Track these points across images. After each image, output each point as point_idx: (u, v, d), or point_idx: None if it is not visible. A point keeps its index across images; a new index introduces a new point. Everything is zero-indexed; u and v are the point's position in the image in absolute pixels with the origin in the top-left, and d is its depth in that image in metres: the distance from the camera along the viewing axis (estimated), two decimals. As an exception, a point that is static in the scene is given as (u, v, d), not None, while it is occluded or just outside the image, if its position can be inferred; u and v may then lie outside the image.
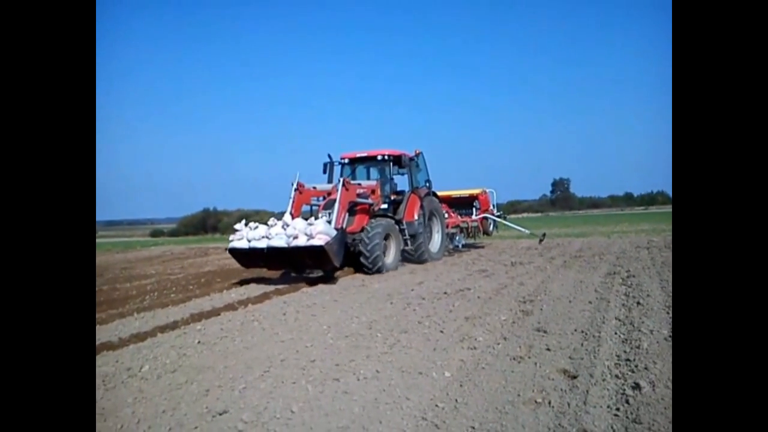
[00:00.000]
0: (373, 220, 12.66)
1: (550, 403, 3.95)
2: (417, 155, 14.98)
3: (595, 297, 8.09)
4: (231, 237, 11.43)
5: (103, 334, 7.09)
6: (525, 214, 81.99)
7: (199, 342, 6.38)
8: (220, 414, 4.06)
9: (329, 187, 12.86)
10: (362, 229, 12.35)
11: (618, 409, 3.75)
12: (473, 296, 8.56)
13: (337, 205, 11.31)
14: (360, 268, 12.31)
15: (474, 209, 18.57)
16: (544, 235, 19.20)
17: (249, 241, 10.98)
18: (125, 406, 4.39)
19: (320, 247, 10.06)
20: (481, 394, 4.25)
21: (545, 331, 6.03)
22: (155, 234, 75.13)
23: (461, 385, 4.46)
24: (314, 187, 12.62)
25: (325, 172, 14.32)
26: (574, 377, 4.49)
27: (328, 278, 11.55)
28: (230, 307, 8.65)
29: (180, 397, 4.51)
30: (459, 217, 17.95)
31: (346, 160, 14.59)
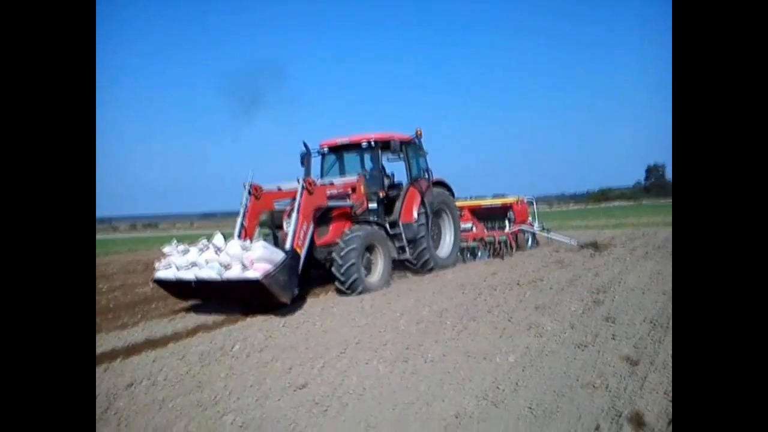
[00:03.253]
0: (348, 230, 9.64)
1: (607, 387, 4.13)
2: (418, 136, 11.86)
3: (670, 288, 7.98)
4: (157, 264, 8.54)
5: (200, 318, 7.89)
6: (617, 202, 78.85)
7: (283, 325, 7.00)
8: (301, 388, 4.54)
9: (324, 182, 10.09)
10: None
11: (674, 395, 3.87)
12: (545, 287, 8.65)
13: (294, 216, 8.45)
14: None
15: (508, 221, 15.35)
16: (595, 245, 14.59)
17: (178, 269, 8.10)
18: (218, 380, 4.99)
19: (256, 281, 7.23)
20: (542, 377, 4.49)
21: (614, 321, 6.12)
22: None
23: (523, 370, 4.71)
24: (278, 188, 9.49)
25: (303, 164, 11.54)
26: (635, 364, 4.62)
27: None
28: (312, 293, 9.28)
29: (266, 373, 5.06)
30: (485, 230, 14.83)
31: (326, 149, 11.60)
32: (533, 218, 16.53)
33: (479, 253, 13.86)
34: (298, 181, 8.92)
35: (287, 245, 8.04)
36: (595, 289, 8.22)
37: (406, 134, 11.59)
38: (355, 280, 8.96)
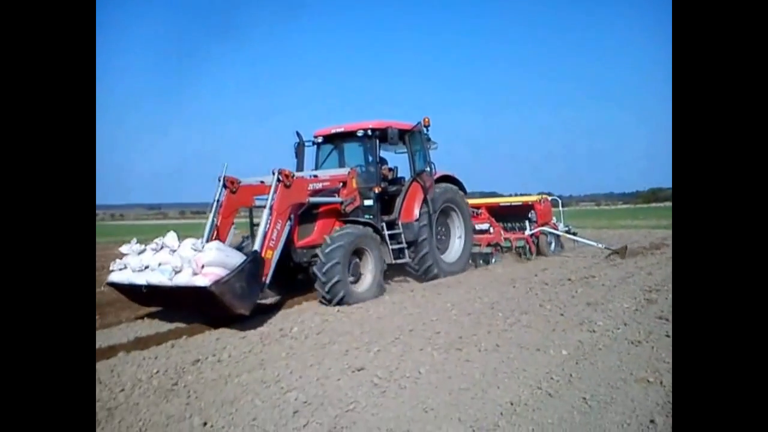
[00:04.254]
0: (334, 231, 8.48)
1: (661, 382, 4.16)
2: (426, 125, 10.55)
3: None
4: (112, 265, 7.56)
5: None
6: (667, 203, 76.56)
7: (338, 310, 7.26)
8: (359, 370, 4.74)
9: (306, 175, 9.08)
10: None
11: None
12: (597, 284, 8.63)
13: (266, 213, 7.43)
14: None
15: (529, 222, 13.89)
16: (625, 248, 13.01)
17: (132, 271, 7.15)
18: (279, 359, 5.25)
19: (204, 288, 6.22)
20: (596, 371, 4.55)
21: (667, 319, 6.08)
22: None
23: (577, 363, 4.77)
24: (261, 182, 8.47)
25: (297, 156, 10.54)
26: (691, 362, 4.61)
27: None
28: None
29: (324, 354, 5.28)
30: (502, 231, 13.36)
31: (321, 139, 10.47)
32: (558, 219, 14.97)
33: (493, 260, 12.33)
34: (273, 173, 7.64)
35: (255, 247, 7.11)
36: (648, 287, 8.14)
37: (408, 123, 10.38)
38: (336, 282, 7.67)
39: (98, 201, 5.81)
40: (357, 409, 3.91)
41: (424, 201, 10.03)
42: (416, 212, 9.88)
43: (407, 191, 10.09)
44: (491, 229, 13.00)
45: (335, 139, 10.48)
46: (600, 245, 13.34)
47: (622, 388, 4.12)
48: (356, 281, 8.33)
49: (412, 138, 10.40)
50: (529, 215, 13.94)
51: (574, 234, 14.72)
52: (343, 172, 9.33)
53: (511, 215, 14.16)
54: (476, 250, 11.95)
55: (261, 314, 7.22)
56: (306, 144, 10.48)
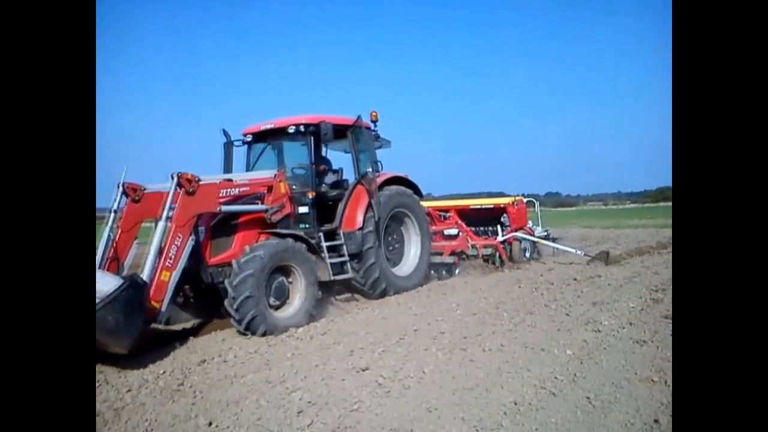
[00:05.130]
0: (253, 245, 6.97)
1: (666, 382, 4.15)
2: (373, 120, 9.35)
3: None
4: None
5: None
6: (675, 202, 75.98)
7: (347, 312, 7.32)
8: (363, 370, 4.76)
9: (215, 180, 7.21)
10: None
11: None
12: (603, 283, 8.61)
13: (161, 227, 6.14)
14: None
15: (501, 227, 12.37)
16: (606, 253, 11.57)
17: None
18: (285, 360, 5.29)
19: None
20: (600, 370, 4.55)
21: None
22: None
23: (581, 362, 4.78)
24: None
25: (225, 158, 8.97)
26: (696, 362, 4.61)
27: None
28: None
29: (329, 354, 5.31)
30: (470, 238, 11.87)
31: (250, 137, 8.96)
32: (536, 223, 13.58)
33: (457, 270, 10.93)
34: (172, 177, 6.37)
35: (145, 267, 5.86)
36: (654, 287, 8.11)
37: (350, 117, 8.92)
38: (253, 319, 6.31)
39: (98, 203, 5.71)
40: (361, 409, 3.93)
41: (370, 207, 8.62)
42: (359, 220, 8.51)
43: (350, 196, 8.69)
44: (461, 235, 11.82)
45: (267, 138, 8.96)
46: (579, 252, 11.88)
47: (626, 387, 4.11)
48: (282, 305, 6.94)
49: (356, 135, 8.99)
50: (502, 219, 12.49)
51: (554, 240, 13.36)
52: (269, 174, 7.85)
53: (484, 219, 12.70)
54: (437, 259, 10.62)
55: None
56: (235, 144, 8.97)
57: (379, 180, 9.01)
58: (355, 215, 8.55)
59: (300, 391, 4.31)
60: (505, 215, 12.43)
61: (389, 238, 9.37)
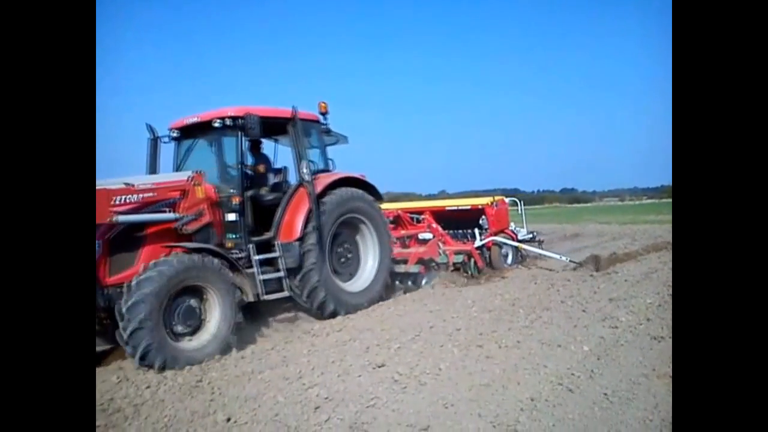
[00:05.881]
0: (144, 265, 5.77)
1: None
2: (323, 113, 8.25)
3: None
4: None
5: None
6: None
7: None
8: (379, 366, 4.79)
9: (111, 185, 6.10)
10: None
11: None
12: (620, 279, 8.53)
13: None
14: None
15: (479, 230, 10.91)
16: (596, 258, 10.12)
17: None
18: (302, 356, 5.34)
19: None
20: (617, 367, 4.53)
21: (692, 315, 6.01)
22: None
23: (598, 358, 4.75)
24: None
25: (152, 156, 7.89)
26: (715, 358, 4.57)
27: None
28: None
29: (345, 351, 5.35)
30: (444, 243, 10.52)
31: (177, 133, 7.79)
32: (518, 227, 12.00)
33: (424, 281, 9.43)
34: None
35: None
36: (672, 282, 8.04)
37: (287, 109, 7.61)
38: (148, 351, 5.32)
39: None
40: (378, 405, 3.96)
41: (313, 213, 7.30)
42: (298, 228, 7.24)
43: (289, 201, 7.44)
44: (432, 240, 10.35)
45: (195, 133, 7.74)
46: (563, 258, 10.46)
47: (644, 384, 4.09)
48: (193, 332, 5.88)
49: (298, 129, 7.62)
50: (480, 221, 11.07)
51: (540, 242, 11.91)
52: (182, 177, 6.68)
53: (462, 221, 11.36)
54: (401, 269, 9.27)
55: (284, 312, 7.33)
56: (163, 140, 7.91)
57: (327, 181, 7.73)
58: (294, 223, 7.30)
59: (317, 387, 4.35)
60: (483, 217, 11.04)
61: (339, 249, 8.05)
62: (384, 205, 9.74)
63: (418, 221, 10.73)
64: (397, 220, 10.36)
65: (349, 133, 8.81)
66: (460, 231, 11.32)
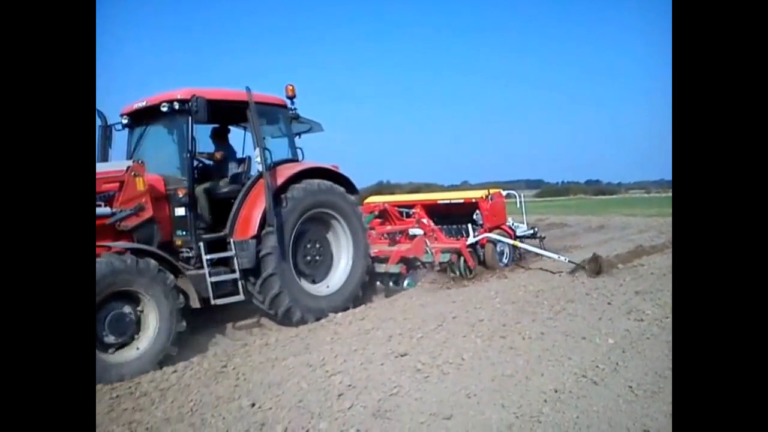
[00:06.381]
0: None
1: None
2: (290, 96, 7.46)
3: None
4: None
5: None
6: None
7: (382, 297, 7.33)
8: (402, 355, 4.80)
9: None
10: None
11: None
12: (646, 272, 8.41)
13: None
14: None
15: (473, 226, 9.98)
16: (596, 259, 8.54)
17: None
18: (325, 344, 5.38)
19: None
20: (643, 360, 4.47)
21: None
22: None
23: (623, 351, 4.70)
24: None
25: (107, 142, 7.26)
26: (743, 353, 4.49)
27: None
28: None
29: (368, 339, 5.38)
30: (434, 240, 9.40)
31: (127, 119, 7.13)
32: (518, 224, 10.91)
33: (406, 282, 8.45)
34: None
35: None
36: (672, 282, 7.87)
37: (243, 91, 6.72)
38: None
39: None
40: (400, 393, 3.97)
41: (273, 208, 6.44)
42: (255, 225, 6.48)
43: (247, 194, 6.69)
44: (418, 236, 9.19)
45: (145, 119, 7.02)
46: (562, 258, 9.18)
47: (669, 377, 4.02)
48: (126, 343, 5.26)
49: (254, 114, 6.67)
50: (474, 217, 10.09)
51: (542, 239, 10.87)
52: (118, 167, 5.99)
53: (457, 216, 10.44)
54: (381, 268, 8.31)
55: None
56: (115, 127, 7.25)
57: (290, 172, 6.96)
58: (250, 219, 6.54)
59: (340, 375, 4.38)
60: (477, 212, 10.05)
61: (306, 247, 7.27)
62: (371, 198, 9.65)
63: (408, 216, 10.09)
64: (384, 215, 9.88)
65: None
66: (455, 226, 10.52)
